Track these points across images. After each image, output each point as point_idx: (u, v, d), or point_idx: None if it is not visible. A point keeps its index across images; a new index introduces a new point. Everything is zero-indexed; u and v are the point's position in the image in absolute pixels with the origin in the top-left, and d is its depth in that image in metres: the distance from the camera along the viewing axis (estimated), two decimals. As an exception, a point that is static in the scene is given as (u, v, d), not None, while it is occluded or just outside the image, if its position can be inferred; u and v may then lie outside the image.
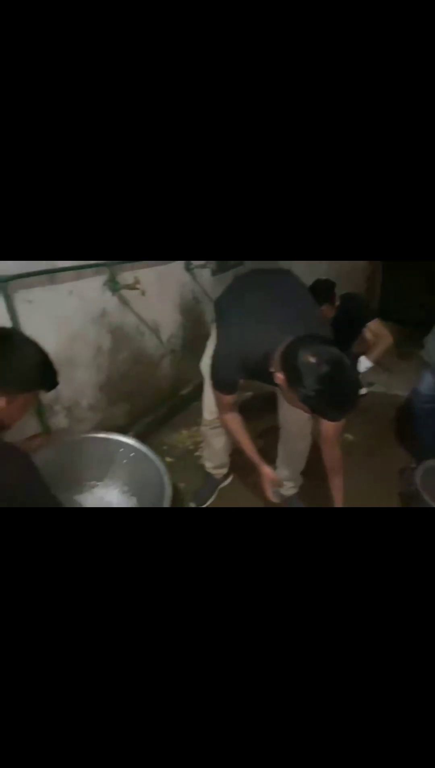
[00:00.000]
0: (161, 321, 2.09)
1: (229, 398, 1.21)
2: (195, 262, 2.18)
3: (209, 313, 2.44)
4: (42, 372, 0.92)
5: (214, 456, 1.63)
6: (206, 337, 1.46)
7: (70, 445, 1.34)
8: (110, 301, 1.74)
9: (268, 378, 1.04)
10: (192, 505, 1.65)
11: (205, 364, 1.37)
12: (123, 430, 1.76)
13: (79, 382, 1.65)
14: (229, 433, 1.34)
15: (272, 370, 1.00)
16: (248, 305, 1.14)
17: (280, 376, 0.95)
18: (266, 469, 1.27)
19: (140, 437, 1.52)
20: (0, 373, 0.85)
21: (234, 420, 1.27)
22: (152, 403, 2.10)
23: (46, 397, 1.51)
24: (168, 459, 1.91)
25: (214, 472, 1.67)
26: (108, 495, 1.41)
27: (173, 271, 2.10)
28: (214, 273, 2.35)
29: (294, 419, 1.41)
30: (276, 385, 1.13)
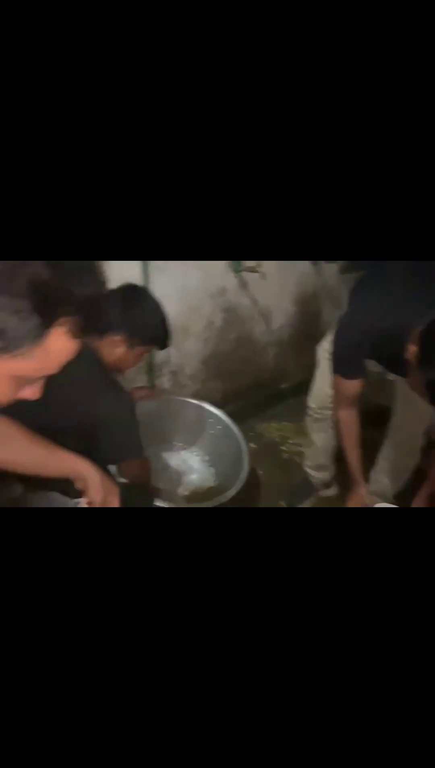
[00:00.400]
0: (274, 309, 2.09)
1: (351, 385, 1.06)
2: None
3: (328, 311, 2.33)
4: (161, 331, 1.03)
5: (314, 454, 1.50)
6: (319, 334, 1.40)
7: (168, 404, 1.45)
8: (231, 281, 1.80)
9: (395, 362, 0.93)
10: (282, 504, 1.58)
11: (323, 348, 1.28)
12: (216, 406, 1.83)
13: (186, 351, 1.76)
14: (339, 433, 1.20)
15: (406, 345, 0.89)
16: (389, 278, 1.02)
17: (412, 349, 0.85)
18: (363, 491, 1.17)
19: (230, 416, 1.55)
20: (128, 323, 0.96)
21: (350, 419, 1.12)
22: (248, 389, 2.12)
23: (158, 357, 1.65)
24: (252, 445, 1.92)
25: (312, 473, 1.53)
26: (190, 459, 1.49)
27: (296, 263, 2.06)
28: (342, 271, 2.23)
29: (408, 430, 1.27)
30: (400, 373, 1.04)
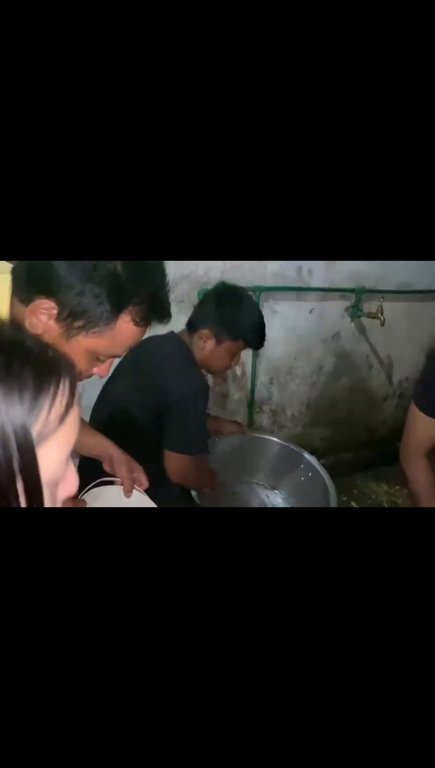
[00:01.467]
0: (397, 359, 1.90)
1: (431, 428, 0.88)
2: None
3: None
4: (254, 328, 1.04)
5: None
6: None
7: (259, 441, 1.45)
8: (347, 326, 1.74)
9: None
10: None
11: None
12: (315, 453, 1.73)
13: (290, 392, 1.75)
14: (410, 484, 0.96)
15: None
16: None
17: None
18: None
19: (330, 468, 1.45)
20: (217, 318, 1.00)
21: (424, 473, 0.92)
22: (358, 442, 1.94)
23: (259, 394, 1.69)
24: (353, 503, 1.73)
25: None
26: (274, 499, 1.43)
27: (428, 307, 1.86)
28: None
29: None
30: None
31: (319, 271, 1.59)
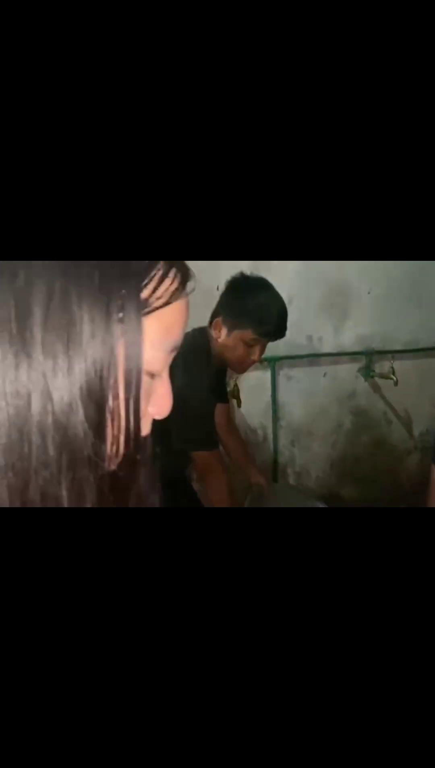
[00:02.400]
0: (415, 413, 1.94)
1: None
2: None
3: None
4: (262, 315, 0.97)
5: None
6: None
7: (287, 494, 1.44)
8: (362, 384, 1.82)
9: None
10: None
11: None
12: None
13: (312, 452, 1.78)
14: None
15: None
16: None
17: None
18: None
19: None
20: (228, 304, 0.97)
21: None
22: (386, 498, 1.92)
23: (283, 457, 1.73)
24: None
25: None
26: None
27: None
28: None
29: None
30: None
31: (328, 338, 1.72)
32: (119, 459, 0.32)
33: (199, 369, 0.98)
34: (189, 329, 0.88)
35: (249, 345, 1.00)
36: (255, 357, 1.02)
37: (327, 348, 1.72)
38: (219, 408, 1.17)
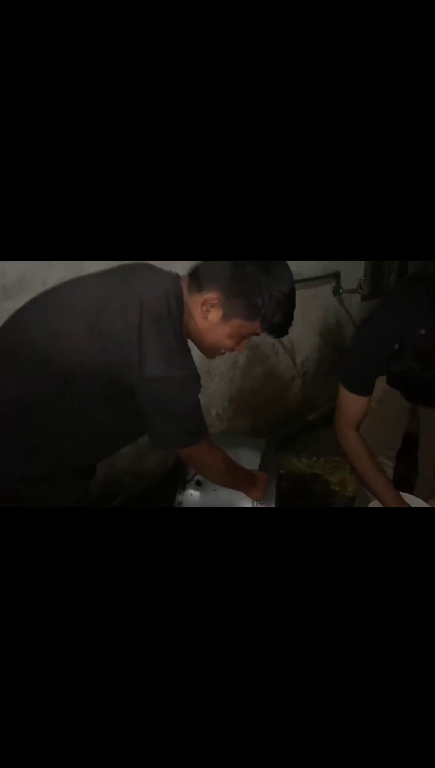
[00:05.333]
0: (298, 343, 2.08)
1: (357, 404, 0.96)
2: (345, 287, 2.10)
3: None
4: (282, 305, 0.71)
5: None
6: None
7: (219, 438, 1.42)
8: (253, 319, 1.82)
9: (418, 375, 0.84)
10: None
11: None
12: (244, 444, 1.80)
13: (212, 391, 1.77)
14: (349, 458, 1.04)
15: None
16: (413, 298, 0.95)
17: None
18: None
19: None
20: (238, 280, 0.69)
21: (356, 441, 0.98)
22: (276, 423, 2.10)
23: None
24: (282, 483, 1.87)
25: None
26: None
27: (319, 294, 2.07)
28: (363, 298, 2.22)
29: None
30: (419, 393, 0.93)
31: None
32: None
33: (181, 349, 0.70)
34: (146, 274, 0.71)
35: (241, 336, 0.75)
36: (240, 349, 0.79)
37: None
38: None
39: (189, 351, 0.73)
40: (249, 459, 1.09)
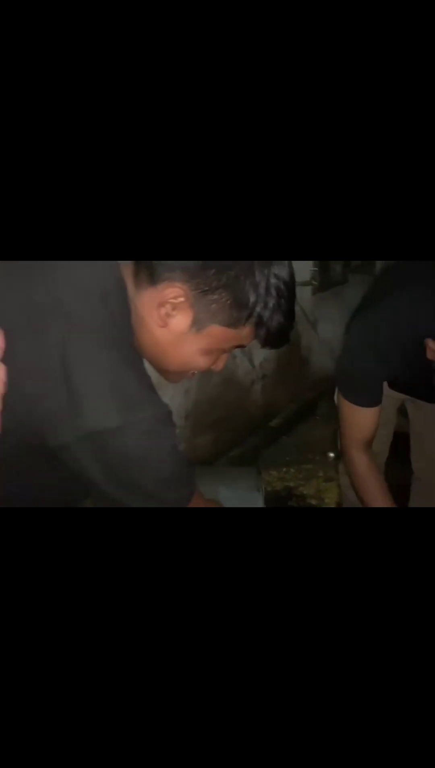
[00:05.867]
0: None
1: (366, 417, 0.78)
2: (298, 279, 1.96)
3: (307, 335, 2.18)
4: (274, 300, 0.46)
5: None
6: (303, 361, 1.19)
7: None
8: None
9: (417, 380, 0.72)
10: None
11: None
12: (207, 463, 1.56)
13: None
14: (354, 481, 0.86)
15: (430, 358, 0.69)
16: (406, 284, 0.78)
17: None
18: None
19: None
20: (230, 283, 0.44)
21: (367, 465, 0.80)
22: (240, 434, 1.88)
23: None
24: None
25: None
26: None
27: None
28: (314, 292, 2.10)
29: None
30: (419, 393, 0.79)
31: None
32: None
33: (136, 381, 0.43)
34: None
35: (220, 349, 0.49)
36: (218, 367, 0.51)
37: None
38: None
39: (147, 376, 0.45)
40: (249, 497, 0.89)
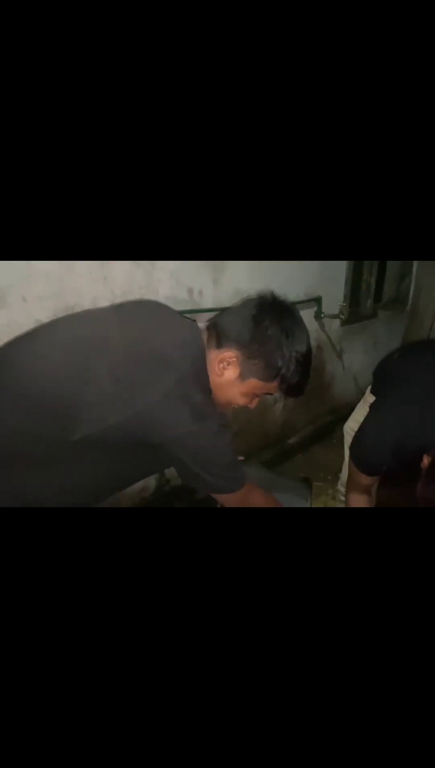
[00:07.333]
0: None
1: (366, 480, 1.01)
2: (326, 311, 2.12)
3: (332, 364, 2.32)
4: (294, 367, 0.68)
5: None
6: (326, 387, 1.34)
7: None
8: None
9: (412, 470, 0.88)
10: None
11: (350, 428, 1.22)
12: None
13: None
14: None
15: (422, 457, 0.85)
16: (418, 383, 0.95)
17: (427, 462, 0.81)
18: None
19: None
20: (258, 341, 0.66)
21: (363, 503, 1.05)
22: (257, 448, 2.04)
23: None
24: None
25: None
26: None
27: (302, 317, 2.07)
28: (343, 323, 2.25)
29: None
30: (412, 480, 0.95)
31: (208, 292, 1.57)
32: None
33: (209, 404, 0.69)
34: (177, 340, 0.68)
35: (256, 395, 0.74)
36: (253, 405, 0.76)
37: (207, 303, 1.57)
38: None
39: (212, 400, 0.72)
40: (296, 503, 1.10)
